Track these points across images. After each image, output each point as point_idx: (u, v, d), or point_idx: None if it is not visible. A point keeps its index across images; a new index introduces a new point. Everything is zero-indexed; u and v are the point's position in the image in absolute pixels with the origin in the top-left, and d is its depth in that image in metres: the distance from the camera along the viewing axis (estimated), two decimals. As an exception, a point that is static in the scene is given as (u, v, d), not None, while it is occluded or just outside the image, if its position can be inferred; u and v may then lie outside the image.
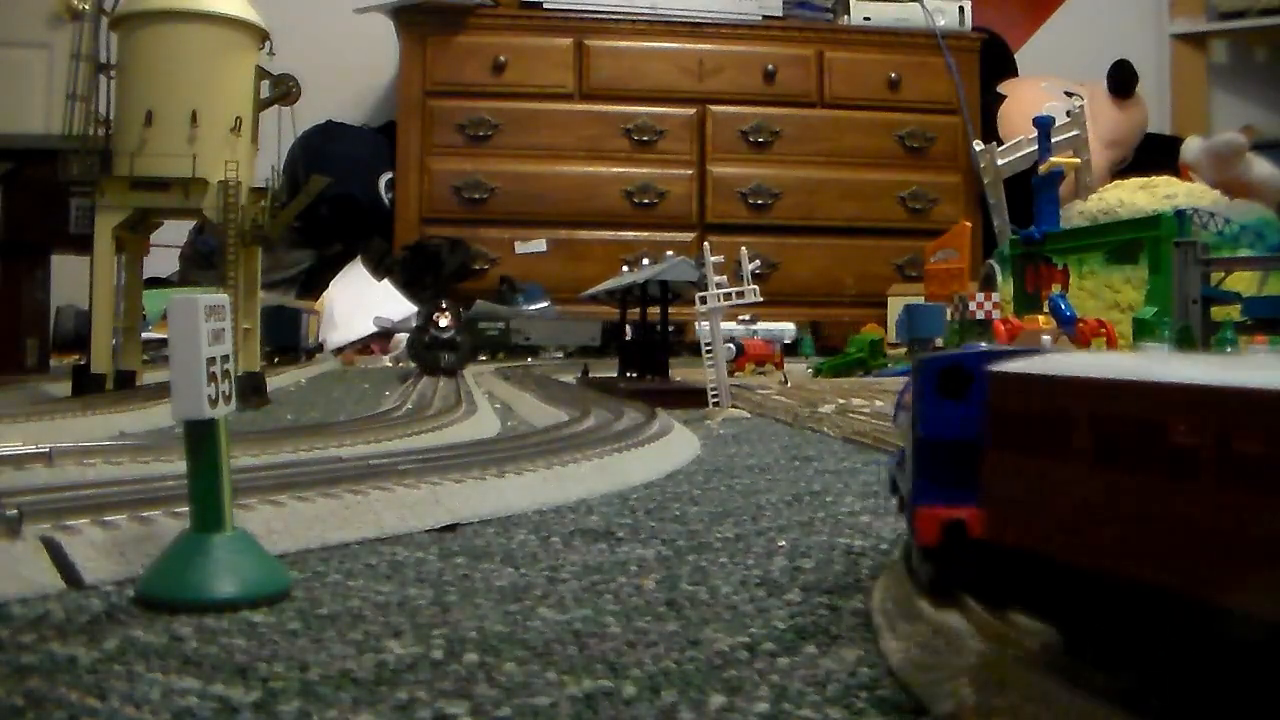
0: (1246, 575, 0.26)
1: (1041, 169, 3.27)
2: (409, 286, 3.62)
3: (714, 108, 4.09)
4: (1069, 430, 0.34)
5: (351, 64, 4.26)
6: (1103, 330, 3.02)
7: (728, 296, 1.56)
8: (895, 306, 3.43)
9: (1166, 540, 0.29)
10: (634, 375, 2.18)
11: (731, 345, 2.58)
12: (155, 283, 2.86)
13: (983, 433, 0.41)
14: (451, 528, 0.74)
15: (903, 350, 2.98)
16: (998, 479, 0.39)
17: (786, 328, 3.19)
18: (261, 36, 1.63)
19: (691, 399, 1.70)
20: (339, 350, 3.47)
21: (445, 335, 2.25)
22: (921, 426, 0.44)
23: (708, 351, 1.60)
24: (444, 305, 2.31)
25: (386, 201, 4.03)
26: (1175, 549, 0.29)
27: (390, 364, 3.17)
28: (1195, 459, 0.28)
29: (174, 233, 3.40)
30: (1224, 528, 0.27)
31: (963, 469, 0.42)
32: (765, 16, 4.14)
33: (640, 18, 4.06)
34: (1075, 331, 2.71)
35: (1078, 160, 3.65)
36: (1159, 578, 0.29)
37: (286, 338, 2.96)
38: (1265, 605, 0.25)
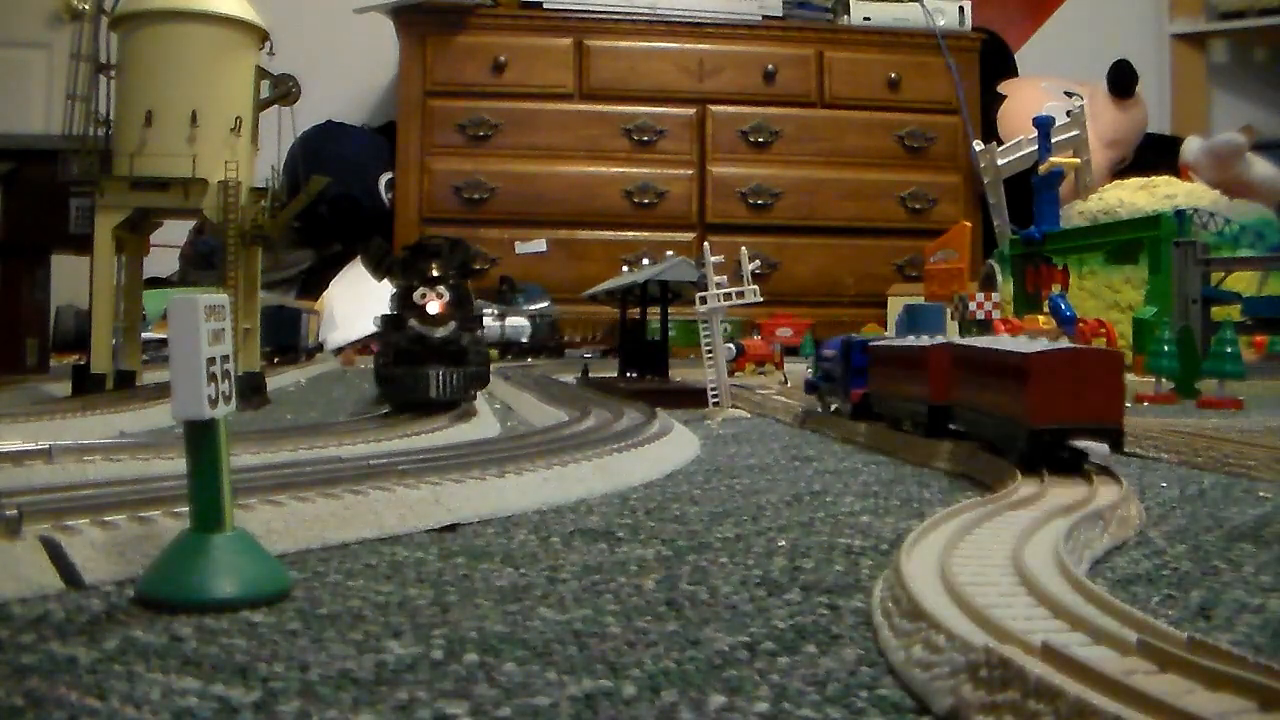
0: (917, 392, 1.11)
1: (1041, 169, 3.27)
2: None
3: (714, 108, 4.09)
4: (886, 359, 1.24)
5: (351, 64, 4.26)
6: (1103, 330, 3.02)
7: (728, 296, 1.56)
8: (895, 306, 3.43)
9: (904, 385, 1.17)
10: (634, 375, 2.18)
11: (731, 345, 2.58)
12: (155, 283, 2.86)
13: (867, 364, 1.31)
14: (451, 528, 0.74)
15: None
16: (873, 377, 1.30)
17: (523, 324, 3.29)
18: (261, 36, 1.63)
19: (691, 399, 1.70)
20: (339, 350, 3.47)
21: (438, 333, 1.31)
22: (853, 363, 1.33)
23: (708, 351, 1.60)
24: (433, 276, 1.32)
25: (386, 201, 4.03)
26: (908, 387, 1.16)
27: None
28: (914, 364, 1.13)
29: (174, 233, 3.41)
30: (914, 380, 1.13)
31: (862, 378, 1.31)
32: (765, 16, 4.14)
33: (640, 18, 4.06)
34: (1075, 331, 2.71)
35: (1078, 160, 3.65)
36: (905, 393, 1.17)
37: (286, 338, 2.96)
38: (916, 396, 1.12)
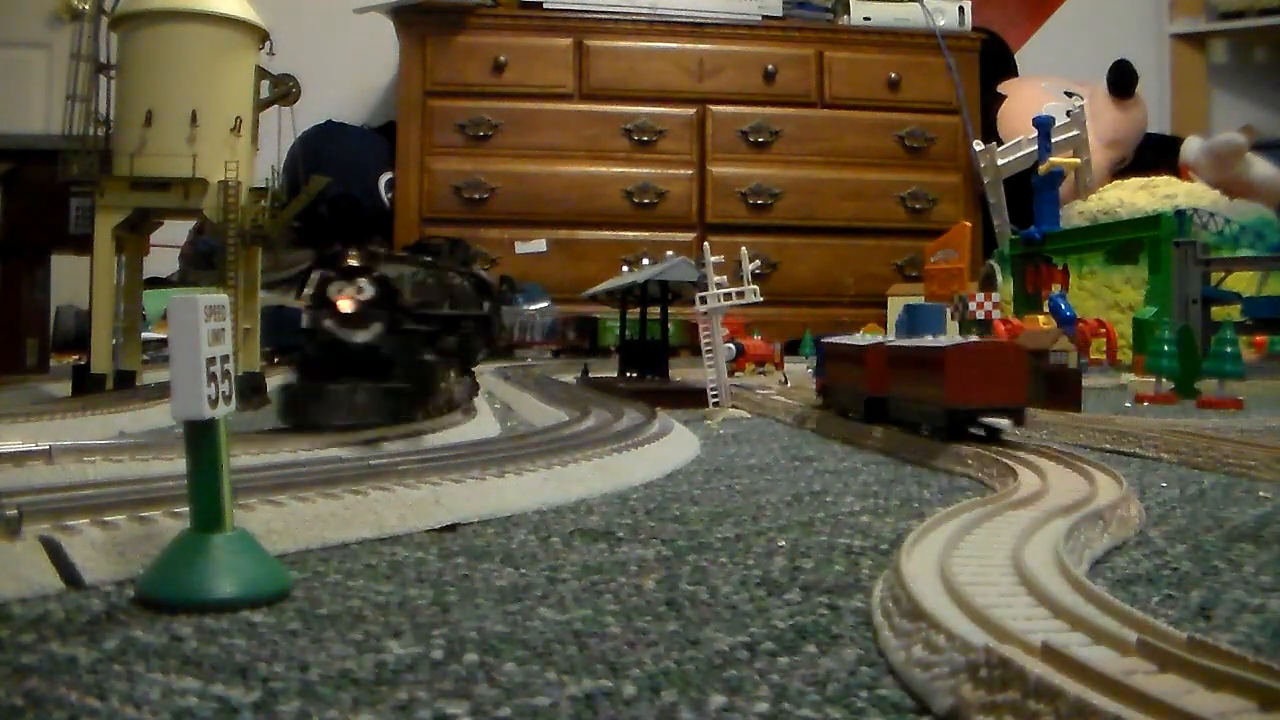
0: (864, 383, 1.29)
1: (1041, 169, 3.27)
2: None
3: (714, 108, 4.09)
4: (836, 355, 1.45)
5: (351, 64, 4.26)
6: (1103, 330, 3.02)
7: (728, 296, 1.56)
8: (895, 306, 3.43)
9: (853, 374, 1.34)
10: (634, 375, 2.18)
11: (731, 345, 2.58)
12: (155, 283, 2.86)
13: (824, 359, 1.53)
14: (451, 528, 0.74)
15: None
16: (829, 368, 1.49)
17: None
18: (261, 36, 1.63)
19: (691, 399, 1.70)
20: (339, 350, 3.47)
21: (356, 338, 1.03)
22: (819, 357, 1.57)
23: (708, 351, 1.60)
24: (351, 261, 1.05)
25: (386, 201, 4.03)
26: (856, 378, 1.32)
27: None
28: (855, 360, 1.33)
29: (174, 233, 3.40)
30: (864, 371, 1.28)
31: (822, 370, 1.55)
32: (765, 16, 4.14)
33: (640, 18, 4.06)
34: (1075, 331, 2.71)
35: (1078, 160, 3.65)
36: (853, 385, 1.33)
37: (286, 338, 2.95)
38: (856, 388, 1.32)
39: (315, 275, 1.06)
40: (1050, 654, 0.37)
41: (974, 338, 1.42)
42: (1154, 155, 4.30)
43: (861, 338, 1.44)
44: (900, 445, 1.17)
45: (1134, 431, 1.24)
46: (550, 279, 3.79)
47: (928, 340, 1.17)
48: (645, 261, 2.34)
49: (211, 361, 0.54)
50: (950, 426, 1.06)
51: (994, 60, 4.38)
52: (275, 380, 2.04)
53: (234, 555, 0.55)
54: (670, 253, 2.00)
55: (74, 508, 0.62)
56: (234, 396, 0.56)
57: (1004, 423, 1.05)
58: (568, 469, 0.89)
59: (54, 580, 0.56)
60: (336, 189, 3.25)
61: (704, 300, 1.56)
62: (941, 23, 4.20)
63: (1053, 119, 3.43)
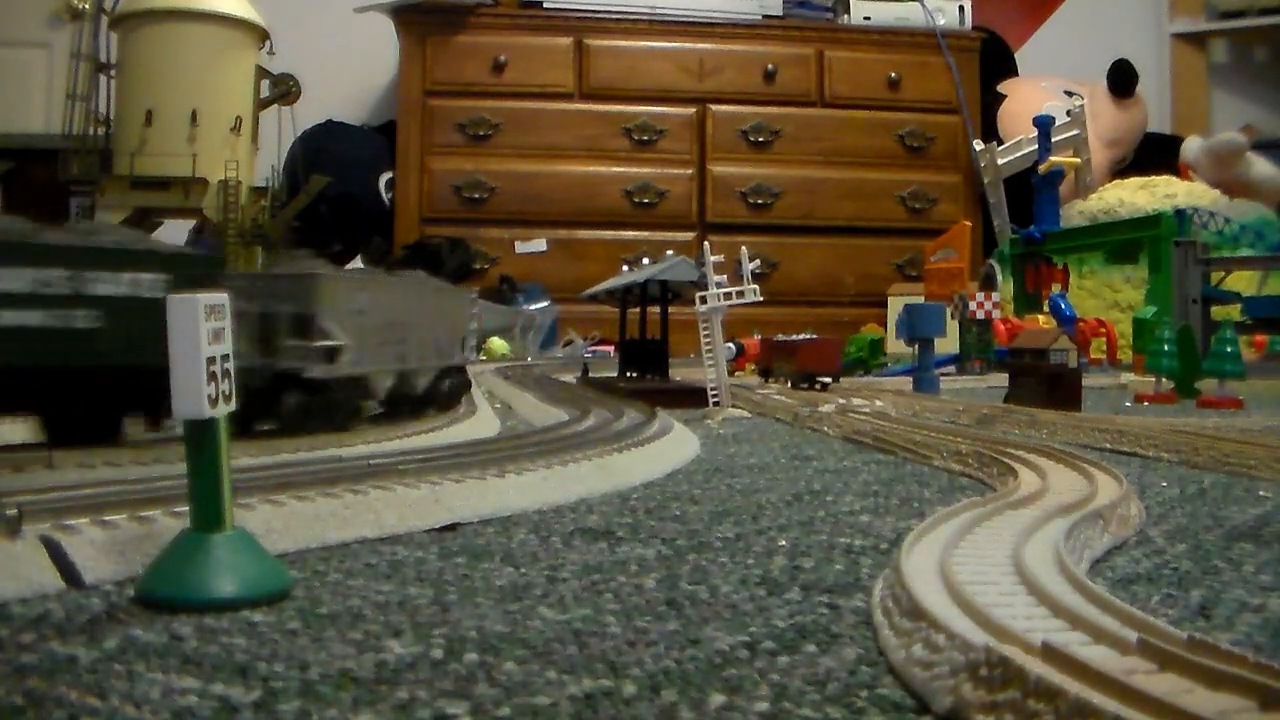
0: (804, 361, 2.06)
1: (1041, 169, 3.27)
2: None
3: (714, 107, 4.09)
4: (774, 349, 2.25)
5: (351, 64, 4.25)
6: (1103, 329, 3.02)
7: (728, 296, 1.56)
8: (895, 306, 3.43)
9: (783, 358, 2.18)
10: (634, 375, 2.18)
11: (731, 345, 2.58)
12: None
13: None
14: (451, 528, 0.74)
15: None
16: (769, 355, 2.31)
17: None
18: (261, 36, 1.63)
19: (691, 399, 1.70)
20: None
21: None
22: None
23: (708, 351, 1.60)
24: None
25: (386, 201, 4.03)
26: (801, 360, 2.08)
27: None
28: (789, 351, 2.09)
29: (174, 233, 3.41)
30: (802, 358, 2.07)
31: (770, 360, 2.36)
32: (765, 16, 4.14)
33: (640, 18, 4.06)
34: (1075, 331, 2.71)
35: (1078, 160, 3.65)
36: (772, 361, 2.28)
37: None
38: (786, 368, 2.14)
39: None
40: (1050, 653, 0.37)
41: (814, 336, 2.23)
42: (1154, 155, 4.31)
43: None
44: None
45: (1134, 431, 1.24)
46: (550, 279, 3.79)
47: (794, 337, 2.10)
48: (645, 261, 2.33)
49: (211, 361, 0.54)
50: (797, 380, 1.96)
51: (994, 60, 4.38)
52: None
53: (234, 555, 0.55)
54: (670, 252, 2.00)
55: (74, 507, 0.62)
56: (234, 396, 0.56)
57: (827, 379, 1.95)
58: (568, 469, 0.89)
59: (54, 580, 0.56)
60: (336, 189, 3.25)
61: (704, 300, 1.56)
62: (941, 22, 4.20)
63: (1053, 119, 3.43)
